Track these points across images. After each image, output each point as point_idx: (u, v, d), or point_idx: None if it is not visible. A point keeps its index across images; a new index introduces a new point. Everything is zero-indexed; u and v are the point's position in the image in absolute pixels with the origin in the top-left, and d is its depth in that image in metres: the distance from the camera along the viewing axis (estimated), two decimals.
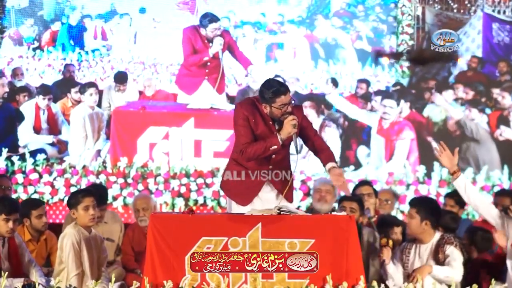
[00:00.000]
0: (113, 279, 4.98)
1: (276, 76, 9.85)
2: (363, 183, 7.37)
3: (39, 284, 5.01)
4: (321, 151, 5.38)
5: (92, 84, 10.06)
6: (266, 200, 5.35)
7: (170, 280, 4.89)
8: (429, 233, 5.79)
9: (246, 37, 11.17)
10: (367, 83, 10.73)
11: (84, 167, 9.68)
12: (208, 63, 9.64)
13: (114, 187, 9.46)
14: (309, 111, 9.95)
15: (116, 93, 10.29)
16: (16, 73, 10.48)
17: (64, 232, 5.64)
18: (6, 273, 4.93)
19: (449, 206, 7.12)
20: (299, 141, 5.35)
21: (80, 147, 9.84)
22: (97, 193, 6.16)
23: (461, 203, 7.28)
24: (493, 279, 5.26)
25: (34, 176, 9.60)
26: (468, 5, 11.01)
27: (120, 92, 10.28)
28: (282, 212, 5.05)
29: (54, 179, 9.60)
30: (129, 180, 9.51)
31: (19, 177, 9.56)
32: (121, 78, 10.31)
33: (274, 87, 5.17)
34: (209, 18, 9.58)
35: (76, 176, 9.60)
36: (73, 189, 9.08)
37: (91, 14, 11.04)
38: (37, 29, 10.96)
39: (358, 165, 10.16)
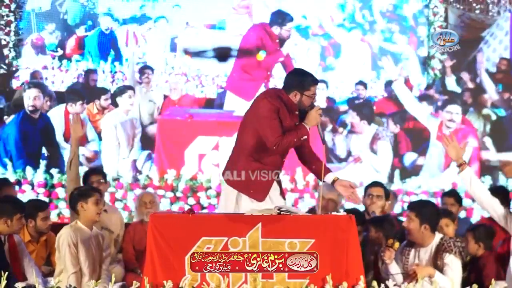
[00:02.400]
0: (113, 279, 4.99)
1: None
2: (375, 184, 7.20)
3: (38, 284, 5.02)
4: (314, 161, 5.44)
5: (130, 87, 9.79)
6: (272, 196, 5.40)
7: (170, 280, 4.89)
8: (428, 236, 5.75)
9: (297, 44, 10.77)
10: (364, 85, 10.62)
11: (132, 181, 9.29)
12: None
13: (163, 202, 9.01)
14: (354, 119, 10.00)
15: (139, 94, 9.92)
16: (35, 77, 10.05)
17: (60, 233, 5.66)
18: (7, 273, 4.95)
19: (449, 204, 7.07)
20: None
21: (113, 157, 9.48)
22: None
23: (460, 201, 7.25)
24: (493, 279, 5.24)
25: None
26: (491, 5, 11.04)
27: (144, 87, 9.96)
28: (282, 212, 5.05)
29: None
30: (179, 194, 9.12)
31: (60, 191, 9.03)
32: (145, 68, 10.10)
33: (311, 76, 5.27)
34: (285, 16, 9.29)
35: (121, 190, 9.21)
36: (118, 204, 8.87)
37: (121, 18, 10.49)
38: (59, 35, 10.38)
39: (406, 173, 10.07)
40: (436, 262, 5.66)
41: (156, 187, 9.16)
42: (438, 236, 5.78)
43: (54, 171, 9.32)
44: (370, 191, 6.90)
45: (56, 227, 6.12)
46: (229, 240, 4.99)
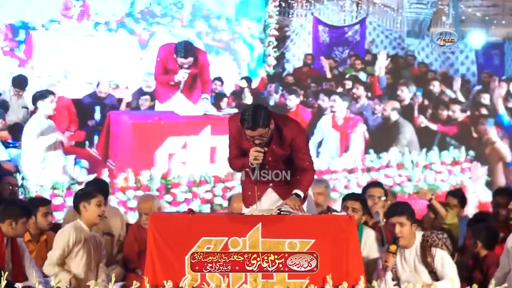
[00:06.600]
0: (113, 279, 4.99)
1: None
2: (375, 184, 7.21)
3: (39, 284, 5.02)
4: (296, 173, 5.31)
5: (51, 92, 9.46)
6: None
7: (170, 280, 4.90)
8: (413, 236, 5.76)
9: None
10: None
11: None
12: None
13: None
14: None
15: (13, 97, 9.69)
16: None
17: (63, 229, 5.72)
18: (7, 273, 4.95)
19: (453, 205, 7.10)
20: None
21: (43, 166, 9.30)
22: (101, 189, 6.21)
23: (463, 203, 7.27)
24: (493, 280, 5.25)
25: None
26: (287, 9, 12.86)
27: (16, 98, 9.70)
28: (282, 212, 5.05)
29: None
30: (155, 193, 9.26)
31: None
32: (20, 82, 9.81)
33: (244, 120, 5.02)
34: (184, 51, 9.61)
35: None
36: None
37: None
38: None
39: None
40: (426, 260, 5.66)
41: (135, 188, 9.34)
42: (418, 234, 5.78)
43: None
44: (371, 192, 6.90)
45: (57, 228, 6.13)
46: (229, 240, 5.00)
